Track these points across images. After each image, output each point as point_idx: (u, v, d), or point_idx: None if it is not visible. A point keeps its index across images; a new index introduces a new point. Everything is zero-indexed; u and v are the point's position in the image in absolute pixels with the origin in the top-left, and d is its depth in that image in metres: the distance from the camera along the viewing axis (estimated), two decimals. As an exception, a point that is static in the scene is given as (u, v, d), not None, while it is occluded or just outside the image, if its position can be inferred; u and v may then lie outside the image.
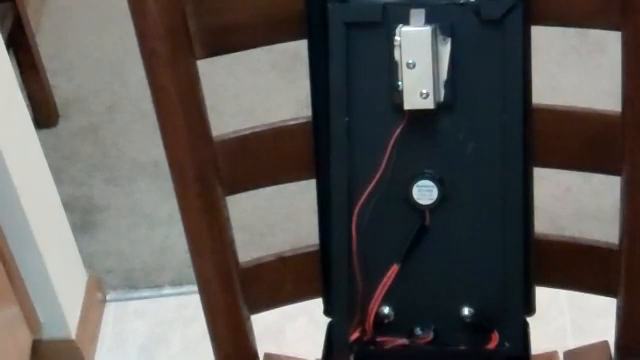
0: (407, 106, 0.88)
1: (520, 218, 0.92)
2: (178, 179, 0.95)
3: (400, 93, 0.88)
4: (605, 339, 1.03)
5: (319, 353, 1.00)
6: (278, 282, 1.01)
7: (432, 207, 0.92)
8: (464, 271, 0.95)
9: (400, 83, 0.88)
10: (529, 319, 0.97)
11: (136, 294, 1.86)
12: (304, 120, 0.94)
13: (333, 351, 0.98)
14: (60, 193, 1.69)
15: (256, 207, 1.91)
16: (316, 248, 0.99)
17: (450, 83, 0.88)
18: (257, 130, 0.95)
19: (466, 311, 0.95)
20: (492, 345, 0.95)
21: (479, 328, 0.96)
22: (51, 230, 1.64)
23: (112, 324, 1.81)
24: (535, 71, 0.90)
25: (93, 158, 2.14)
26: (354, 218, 0.93)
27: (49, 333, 1.65)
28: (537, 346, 1.00)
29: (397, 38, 0.87)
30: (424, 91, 0.87)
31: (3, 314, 1.51)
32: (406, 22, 0.87)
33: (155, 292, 1.86)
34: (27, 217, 1.52)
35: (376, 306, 0.95)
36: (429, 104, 0.88)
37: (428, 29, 0.86)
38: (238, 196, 0.97)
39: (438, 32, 0.87)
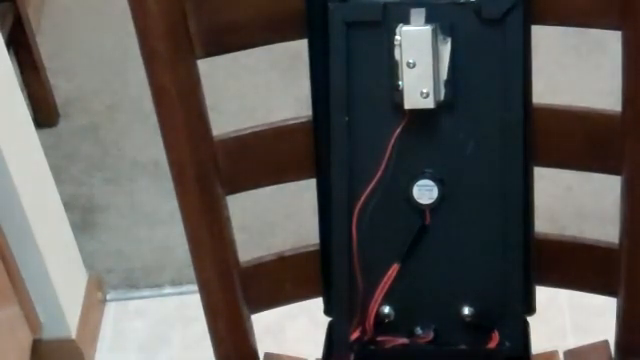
0: (407, 105, 0.88)
1: (520, 217, 0.92)
2: (178, 179, 0.95)
3: (400, 92, 0.88)
4: (605, 339, 1.03)
5: (319, 353, 1.00)
6: (278, 282, 1.01)
7: (432, 206, 0.92)
8: (464, 270, 0.95)
9: (400, 82, 0.88)
10: (529, 319, 0.97)
11: (136, 294, 1.86)
12: (304, 120, 0.94)
13: (333, 351, 0.98)
14: (60, 193, 1.69)
15: (256, 207, 1.91)
16: (316, 248, 0.99)
17: (450, 82, 0.88)
18: (257, 130, 0.95)
19: (466, 310, 0.95)
20: (492, 345, 0.95)
21: (479, 328, 0.96)
22: (51, 230, 1.64)
23: (112, 324, 1.81)
24: (535, 71, 0.90)
25: (93, 158, 2.14)
26: (354, 217, 0.93)
27: (49, 333, 1.65)
28: (537, 346, 1.00)
29: (397, 37, 0.87)
30: (424, 90, 0.87)
31: (3, 314, 1.51)
32: (406, 21, 0.87)
33: (155, 292, 1.86)
34: (27, 217, 1.52)
35: (376, 306, 0.95)
36: (429, 103, 0.88)
37: (428, 28, 0.86)
38: (238, 196, 0.97)
39: (438, 31, 0.87)
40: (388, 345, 0.97)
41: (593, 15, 0.87)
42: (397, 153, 0.91)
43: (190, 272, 1.01)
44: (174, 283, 1.86)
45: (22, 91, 1.61)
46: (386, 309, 0.96)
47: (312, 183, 0.96)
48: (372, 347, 0.97)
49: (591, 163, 0.93)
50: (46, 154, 1.63)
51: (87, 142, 2.17)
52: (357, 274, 0.94)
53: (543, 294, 0.98)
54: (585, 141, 0.92)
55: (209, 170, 0.94)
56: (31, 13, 2.20)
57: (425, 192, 0.92)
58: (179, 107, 0.91)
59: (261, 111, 2.17)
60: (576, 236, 0.98)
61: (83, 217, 2.00)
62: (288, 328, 1.73)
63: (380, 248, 0.94)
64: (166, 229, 1.95)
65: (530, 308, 0.97)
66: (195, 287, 1.00)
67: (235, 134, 0.95)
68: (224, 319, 1.01)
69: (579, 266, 0.98)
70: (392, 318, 0.96)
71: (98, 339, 1.77)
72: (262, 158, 0.96)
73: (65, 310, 1.65)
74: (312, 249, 0.99)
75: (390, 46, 0.88)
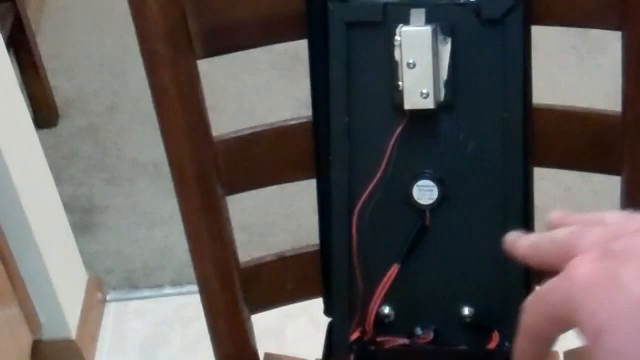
0: (407, 106, 0.88)
1: (520, 218, 0.92)
2: (178, 179, 0.95)
3: (400, 93, 0.88)
4: (605, 339, 1.03)
5: (319, 353, 1.00)
6: (278, 282, 1.01)
7: (432, 207, 0.92)
8: (464, 271, 0.95)
9: (400, 83, 0.88)
10: (529, 319, 0.97)
11: (136, 294, 1.86)
12: (304, 120, 0.94)
13: (333, 351, 0.98)
14: (60, 193, 1.69)
15: (256, 207, 1.91)
16: (316, 248, 0.99)
17: (450, 83, 0.88)
18: (257, 130, 0.95)
19: (466, 311, 0.95)
20: (492, 345, 0.95)
21: (479, 328, 0.96)
22: (51, 230, 1.64)
23: (112, 324, 1.81)
24: (535, 71, 0.90)
25: (93, 158, 2.14)
26: (354, 218, 0.93)
27: (49, 333, 1.66)
28: (537, 346, 0.99)
29: (397, 38, 0.87)
30: (424, 91, 0.87)
31: (3, 314, 1.51)
32: (406, 22, 0.87)
33: (155, 292, 1.86)
34: (27, 217, 1.52)
35: (376, 306, 0.95)
36: (429, 104, 0.88)
37: (428, 29, 0.86)
38: (238, 196, 0.97)
39: (438, 32, 0.87)
40: (388, 345, 0.97)
41: (593, 15, 0.87)
42: (397, 153, 0.91)
43: (190, 272, 1.01)
44: (174, 283, 1.87)
45: (22, 91, 1.61)
46: (386, 309, 0.96)
47: (312, 183, 0.96)
48: (372, 347, 0.97)
49: (591, 163, 0.93)
50: (46, 154, 1.63)
51: (87, 142, 2.17)
52: (357, 274, 0.94)
53: (543, 294, 0.98)
54: (585, 141, 0.92)
55: (209, 170, 0.94)
56: (31, 13, 2.20)
57: (425, 192, 0.92)
58: (179, 107, 0.91)
59: (261, 111, 2.17)
60: (576, 236, 0.98)
61: (83, 217, 2.00)
62: (288, 328, 1.73)
63: (380, 248, 0.94)
64: (166, 229, 1.95)
65: (530, 308, 0.97)
66: (195, 287, 1.00)
67: (235, 134, 0.95)
68: (224, 319, 1.01)
69: (579, 266, 0.98)
70: (392, 318, 0.96)
71: (98, 339, 1.78)
72: (262, 158, 0.96)
73: (65, 310, 1.65)
74: (312, 249, 0.99)
75: (390, 46, 0.88)
